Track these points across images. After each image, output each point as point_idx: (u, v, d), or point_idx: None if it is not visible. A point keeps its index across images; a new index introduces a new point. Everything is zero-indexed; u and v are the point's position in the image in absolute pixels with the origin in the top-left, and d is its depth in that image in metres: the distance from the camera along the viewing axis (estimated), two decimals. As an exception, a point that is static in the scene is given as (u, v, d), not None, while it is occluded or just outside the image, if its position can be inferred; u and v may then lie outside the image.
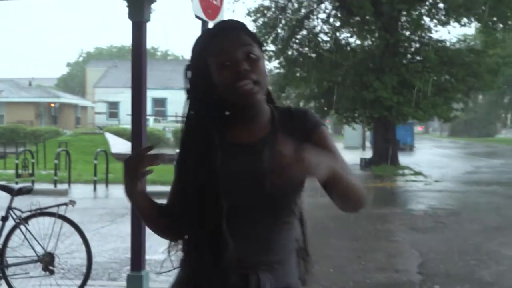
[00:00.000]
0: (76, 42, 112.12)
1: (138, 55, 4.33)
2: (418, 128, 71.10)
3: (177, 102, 38.55)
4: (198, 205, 1.35)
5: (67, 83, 66.86)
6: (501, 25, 17.46)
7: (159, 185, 10.52)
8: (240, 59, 1.34)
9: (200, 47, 1.40)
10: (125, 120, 36.15)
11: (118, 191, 11.89)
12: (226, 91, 1.36)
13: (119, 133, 24.51)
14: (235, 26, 1.39)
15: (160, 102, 38.72)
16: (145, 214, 1.42)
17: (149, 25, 4.41)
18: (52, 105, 37.00)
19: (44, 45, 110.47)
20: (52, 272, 4.15)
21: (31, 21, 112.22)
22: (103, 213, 8.89)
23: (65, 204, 4.20)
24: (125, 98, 39.51)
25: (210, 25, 4.61)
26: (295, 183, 1.35)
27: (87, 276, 4.16)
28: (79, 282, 4.34)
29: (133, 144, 4.40)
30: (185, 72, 1.43)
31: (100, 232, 7.28)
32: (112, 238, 6.94)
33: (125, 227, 7.80)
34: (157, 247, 6.18)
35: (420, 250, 6.33)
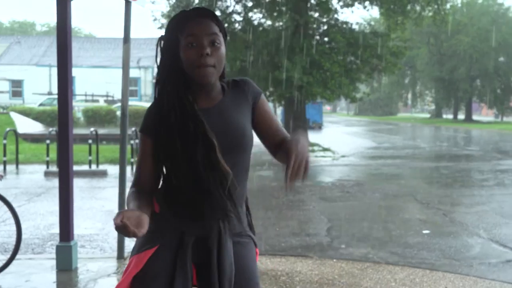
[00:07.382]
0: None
1: (63, 32, 4.41)
2: (326, 108, 73.80)
3: (85, 80, 37.24)
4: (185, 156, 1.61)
5: (-38, 59, 62.10)
6: (399, 10, 18.56)
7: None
8: (205, 45, 1.60)
9: (175, 24, 1.64)
10: (30, 99, 34.37)
11: (29, 172, 11.58)
12: (188, 68, 1.63)
13: (25, 113, 23.42)
14: (207, 15, 1.63)
15: (67, 81, 37.13)
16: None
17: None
18: None
19: None
20: (-20, 246, 4.19)
21: None
22: (17, 192, 8.68)
23: (-7, 178, 4.24)
24: (29, 76, 37.55)
25: (134, 5, 4.80)
26: (249, 142, 1.69)
27: (16, 249, 4.23)
28: (5, 257, 4.41)
29: (60, 122, 4.49)
30: (159, 41, 1.68)
31: (17, 210, 7.18)
32: (32, 216, 6.89)
33: (43, 205, 7.76)
34: (80, 222, 6.31)
35: (328, 217, 6.95)
